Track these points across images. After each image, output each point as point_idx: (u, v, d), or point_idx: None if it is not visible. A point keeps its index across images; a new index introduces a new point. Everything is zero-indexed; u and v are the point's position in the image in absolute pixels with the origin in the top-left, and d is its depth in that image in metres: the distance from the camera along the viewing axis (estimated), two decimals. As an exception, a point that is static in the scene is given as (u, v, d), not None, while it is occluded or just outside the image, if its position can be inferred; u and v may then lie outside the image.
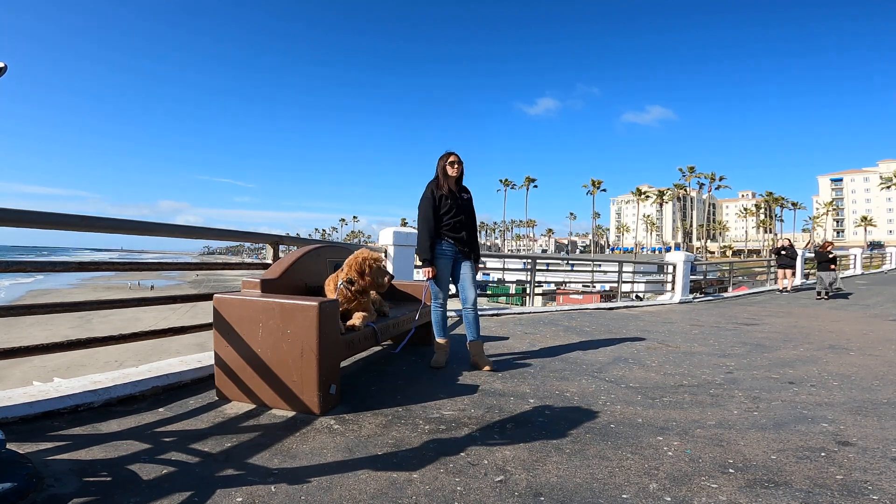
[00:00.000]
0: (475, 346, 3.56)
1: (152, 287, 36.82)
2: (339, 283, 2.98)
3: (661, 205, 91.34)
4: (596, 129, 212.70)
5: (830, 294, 10.71)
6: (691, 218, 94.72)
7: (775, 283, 14.62)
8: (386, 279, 3.10)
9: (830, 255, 11.62)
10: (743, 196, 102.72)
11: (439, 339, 3.64)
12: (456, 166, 3.50)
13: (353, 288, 2.98)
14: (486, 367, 3.49)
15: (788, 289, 12.88)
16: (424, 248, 3.49)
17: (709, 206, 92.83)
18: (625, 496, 1.77)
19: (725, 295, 12.85)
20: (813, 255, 13.56)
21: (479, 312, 3.78)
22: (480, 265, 4.00)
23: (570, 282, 16.74)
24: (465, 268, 3.59)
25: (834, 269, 11.85)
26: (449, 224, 3.49)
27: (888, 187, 75.53)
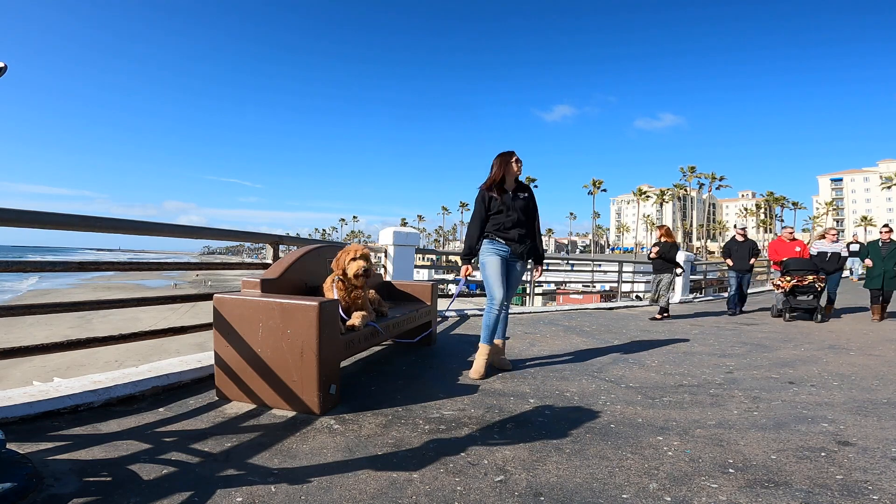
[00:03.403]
0: (499, 343, 3.56)
1: (204, 281, 36.57)
2: (336, 277, 2.98)
3: (661, 205, 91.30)
4: (603, 134, 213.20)
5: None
6: (691, 218, 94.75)
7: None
8: (353, 268, 2.95)
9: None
10: (743, 196, 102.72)
11: (483, 344, 3.42)
12: (516, 167, 3.45)
13: (345, 281, 2.97)
14: (509, 367, 3.55)
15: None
16: (466, 247, 3.53)
17: (709, 206, 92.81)
18: (625, 496, 1.77)
19: (726, 295, 12.84)
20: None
21: (479, 312, 3.78)
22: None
23: (570, 282, 16.73)
24: (514, 269, 3.48)
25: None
26: (499, 224, 3.41)
27: (888, 187, 75.55)
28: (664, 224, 8.27)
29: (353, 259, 2.97)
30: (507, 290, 3.44)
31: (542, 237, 3.60)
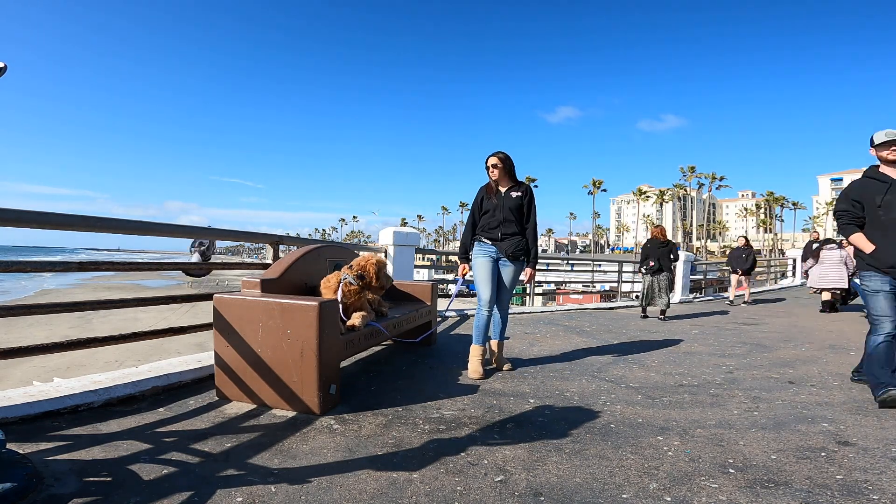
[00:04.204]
0: (497, 345, 3.57)
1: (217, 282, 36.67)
2: (344, 276, 2.99)
3: (661, 205, 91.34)
4: (605, 136, 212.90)
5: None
6: (691, 218, 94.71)
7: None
8: (389, 283, 3.26)
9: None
10: (743, 196, 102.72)
11: (474, 345, 3.43)
12: (491, 171, 3.45)
13: (361, 283, 3.03)
14: (506, 367, 3.57)
15: (731, 298, 9.90)
16: (461, 247, 3.59)
17: (709, 206, 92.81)
18: (625, 496, 1.77)
19: (726, 294, 12.84)
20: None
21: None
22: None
23: (570, 282, 16.74)
24: (505, 270, 3.45)
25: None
26: (485, 224, 3.45)
27: (888, 187, 75.42)
28: (659, 225, 7.72)
29: (382, 267, 3.16)
30: (497, 290, 3.46)
31: (538, 236, 3.56)
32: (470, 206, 3.65)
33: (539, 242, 3.71)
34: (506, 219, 3.40)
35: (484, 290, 3.42)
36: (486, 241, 3.45)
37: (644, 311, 7.31)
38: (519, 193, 3.44)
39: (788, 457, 2.13)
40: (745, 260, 9.69)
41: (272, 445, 2.09)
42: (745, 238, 10.14)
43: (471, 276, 3.56)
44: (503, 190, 3.46)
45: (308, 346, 2.43)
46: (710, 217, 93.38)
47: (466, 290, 8.66)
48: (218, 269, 4.74)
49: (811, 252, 9.11)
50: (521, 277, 3.60)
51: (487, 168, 3.47)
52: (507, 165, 3.45)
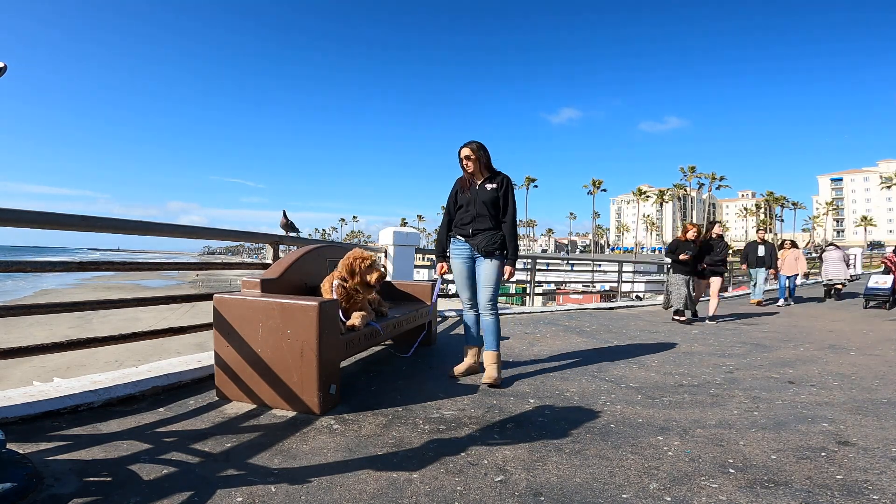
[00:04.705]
0: (487, 356, 3.23)
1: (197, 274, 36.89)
2: (335, 282, 2.98)
3: (661, 204, 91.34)
4: (607, 136, 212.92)
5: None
6: (691, 218, 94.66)
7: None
8: (374, 276, 2.98)
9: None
10: (743, 196, 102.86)
11: (466, 346, 3.47)
12: (464, 163, 3.25)
13: (346, 285, 2.98)
14: (486, 380, 3.13)
15: (710, 312, 7.13)
16: (437, 245, 3.51)
17: (709, 206, 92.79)
18: (625, 496, 1.77)
19: (725, 295, 12.84)
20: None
21: None
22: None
23: (570, 282, 16.74)
24: (480, 267, 3.27)
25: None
26: (459, 220, 3.33)
27: (888, 187, 75.66)
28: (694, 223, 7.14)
29: (372, 267, 3.01)
30: (475, 289, 3.32)
31: (517, 230, 3.39)
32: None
33: (540, 242, 3.66)
34: (479, 214, 3.22)
35: (462, 291, 3.40)
36: (460, 238, 3.33)
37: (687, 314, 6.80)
38: (494, 185, 3.24)
39: (788, 457, 2.13)
40: (717, 254, 7.10)
41: (272, 445, 2.09)
42: (719, 223, 7.78)
43: (450, 276, 3.50)
44: (478, 182, 3.28)
45: (308, 346, 2.43)
46: (710, 217, 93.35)
47: (451, 291, 8.19)
48: (218, 269, 4.74)
49: (755, 251, 9.55)
50: (504, 277, 3.39)
51: (460, 160, 3.26)
52: (480, 156, 3.23)
